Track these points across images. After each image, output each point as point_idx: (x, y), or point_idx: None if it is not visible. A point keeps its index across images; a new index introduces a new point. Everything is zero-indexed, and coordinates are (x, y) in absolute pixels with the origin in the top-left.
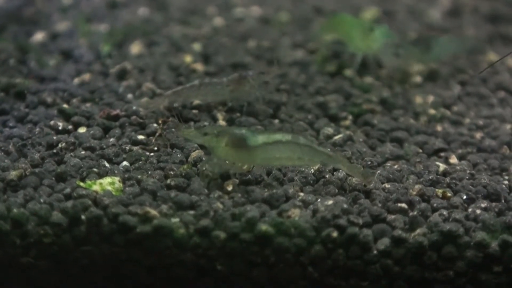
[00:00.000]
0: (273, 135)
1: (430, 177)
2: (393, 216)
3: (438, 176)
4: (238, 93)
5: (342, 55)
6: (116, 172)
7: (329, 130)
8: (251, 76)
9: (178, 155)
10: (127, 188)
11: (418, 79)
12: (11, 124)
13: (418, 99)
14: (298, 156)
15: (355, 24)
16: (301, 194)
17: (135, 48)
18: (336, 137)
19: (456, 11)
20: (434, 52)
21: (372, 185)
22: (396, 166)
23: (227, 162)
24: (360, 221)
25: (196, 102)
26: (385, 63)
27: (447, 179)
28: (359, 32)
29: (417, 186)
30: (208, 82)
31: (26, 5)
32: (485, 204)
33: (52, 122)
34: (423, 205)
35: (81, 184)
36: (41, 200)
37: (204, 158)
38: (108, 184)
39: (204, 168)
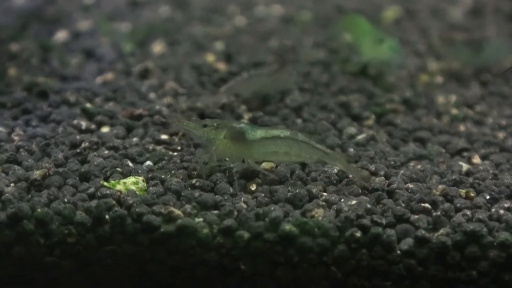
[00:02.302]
0: (272, 130)
1: (453, 177)
2: (416, 216)
3: (461, 176)
4: (279, 83)
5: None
6: (139, 171)
7: (352, 129)
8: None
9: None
10: (150, 188)
11: (439, 79)
12: (34, 124)
13: (441, 99)
14: (296, 152)
15: (367, 30)
16: (325, 194)
17: (157, 47)
18: (359, 137)
19: (478, 10)
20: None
21: (371, 183)
22: (419, 166)
23: (224, 154)
24: (384, 221)
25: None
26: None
27: (470, 179)
28: (369, 40)
29: (441, 186)
30: (255, 74)
31: (47, 4)
32: (508, 204)
33: (75, 122)
34: (447, 205)
35: (105, 183)
36: (65, 200)
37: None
38: (131, 183)
39: (201, 160)
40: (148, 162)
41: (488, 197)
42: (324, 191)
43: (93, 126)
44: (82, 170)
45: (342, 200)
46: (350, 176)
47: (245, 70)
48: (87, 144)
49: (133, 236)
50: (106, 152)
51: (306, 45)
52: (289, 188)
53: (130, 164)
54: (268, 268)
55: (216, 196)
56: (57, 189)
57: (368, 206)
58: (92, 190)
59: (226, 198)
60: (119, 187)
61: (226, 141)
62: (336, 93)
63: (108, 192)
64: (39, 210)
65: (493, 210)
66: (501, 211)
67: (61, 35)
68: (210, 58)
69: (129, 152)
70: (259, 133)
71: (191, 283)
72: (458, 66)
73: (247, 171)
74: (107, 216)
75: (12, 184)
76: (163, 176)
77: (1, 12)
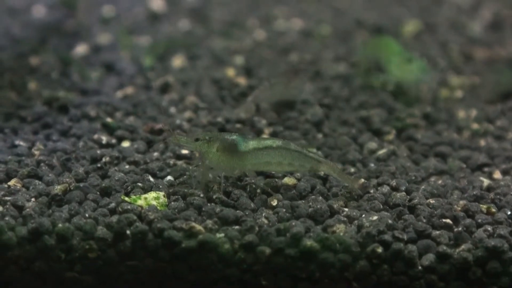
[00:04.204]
0: (264, 140)
1: (475, 192)
2: (437, 232)
3: (482, 192)
4: (292, 89)
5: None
6: (160, 186)
7: (373, 144)
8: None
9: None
10: (172, 203)
11: (459, 93)
12: (54, 138)
13: (461, 114)
14: (289, 161)
15: (396, 51)
16: (346, 209)
17: (177, 61)
18: (380, 152)
19: (497, 24)
20: None
21: (370, 190)
22: (440, 181)
23: (218, 167)
24: (405, 237)
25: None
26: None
27: (491, 195)
28: (397, 60)
29: (462, 202)
30: (275, 82)
31: (67, 18)
32: None
33: (95, 136)
34: (468, 220)
35: (126, 198)
36: (86, 215)
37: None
38: (153, 198)
39: (195, 174)
40: (169, 177)
41: (509, 212)
42: (345, 207)
43: (113, 141)
44: (103, 185)
45: (363, 215)
46: (346, 184)
47: (264, 81)
48: (107, 158)
49: (154, 252)
50: (127, 167)
51: (326, 59)
52: (310, 203)
53: (151, 179)
54: (289, 284)
55: (237, 211)
56: (78, 204)
57: (390, 221)
58: (113, 205)
59: (247, 213)
60: (140, 202)
61: (219, 154)
62: (357, 108)
63: (129, 207)
64: (60, 225)
65: None
66: None
67: (81, 49)
68: (230, 72)
69: (150, 167)
70: (251, 144)
71: None
72: (478, 81)
73: (268, 185)
74: (128, 232)
75: (33, 199)
76: (185, 191)
77: (21, 25)
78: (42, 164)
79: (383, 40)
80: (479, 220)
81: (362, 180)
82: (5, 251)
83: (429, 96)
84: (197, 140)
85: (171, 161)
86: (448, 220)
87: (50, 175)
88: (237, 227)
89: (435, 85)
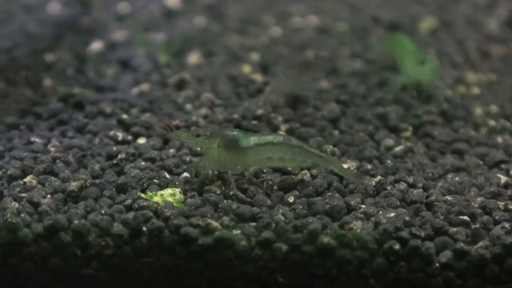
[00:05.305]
0: (265, 136)
1: (492, 189)
2: (455, 229)
3: (500, 189)
4: (303, 83)
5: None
6: (177, 183)
7: (390, 141)
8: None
9: (238, 167)
10: (188, 200)
11: (476, 90)
12: (70, 135)
13: (478, 110)
14: (290, 157)
15: (410, 50)
16: (363, 206)
17: (193, 57)
18: (397, 149)
19: None
20: None
21: (365, 184)
22: (457, 178)
23: (219, 162)
24: (422, 234)
25: (260, 112)
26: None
27: (509, 192)
28: (411, 60)
29: (479, 199)
30: (290, 74)
31: (82, 14)
32: None
33: (111, 133)
34: (485, 217)
35: (142, 195)
36: (102, 212)
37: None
38: (169, 195)
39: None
40: (185, 174)
41: None
42: (362, 203)
43: (129, 137)
44: (119, 181)
45: (381, 212)
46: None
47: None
48: (123, 155)
49: (171, 248)
50: (143, 163)
51: (343, 56)
52: (327, 200)
53: (167, 175)
54: (306, 281)
55: (254, 208)
56: (94, 201)
57: (407, 218)
58: (129, 201)
59: (264, 210)
60: (156, 198)
61: (220, 150)
62: (373, 105)
63: (145, 204)
64: (76, 222)
65: None
66: None
67: (96, 46)
68: (246, 69)
69: (166, 164)
70: (253, 139)
71: None
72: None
73: (284, 182)
74: (144, 228)
75: (48, 196)
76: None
77: (36, 22)
78: (58, 160)
79: (398, 39)
80: (497, 217)
81: (363, 176)
82: (21, 248)
83: (442, 96)
84: (198, 136)
85: (187, 158)
86: (465, 217)
87: (66, 171)
88: (253, 223)
89: (445, 86)
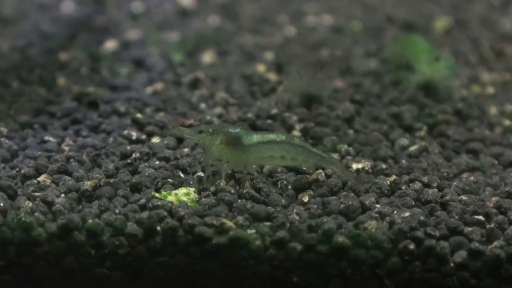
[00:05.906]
0: (268, 134)
1: (507, 189)
2: (470, 229)
3: None
4: (317, 82)
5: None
6: (191, 182)
7: (404, 141)
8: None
9: (253, 166)
10: (202, 199)
11: (490, 89)
12: (84, 134)
13: (493, 110)
14: (292, 156)
15: (424, 49)
16: (377, 205)
17: (207, 57)
18: (412, 148)
19: None
20: None
21: (364, 186)
22: (472, 178)
23: (220, 160)
24: (437, 233)
25: (274, 111)
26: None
27: None
28: (425, 59)
29: (494, 198)
30: (303, 73)
31: (96, 13)
32: None
33: (125, 132)
34: (500, 217)
35: (156, 194)
36: (116, 211)
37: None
38: (183, 194)
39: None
40: (200, 173)
41: None
42: (377, 203)
43: (143, 137)
44: (133, 181)
45: (395, 212)
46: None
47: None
48: (138, 154)
49: (185, 248)
50: (157, 162)
51: (357, 56)
52: (342, 199)
53: (182, 175)
54: (320, 281)
55: (268, 207)
56: (108, 200)
57: (422, 218)
58: (143, 201)
59: (278, 209)
60: (171, 198)
61: (222, 147)
62: (388, 104)
63: (159, 203)
64: (90, 221)
65: None
66: None
67: (110, 45)
68: (260, 68)
69: (180, 163)
70: (255, 137)
71: None
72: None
73: (299, 182)
74: (158, 228)
75: (62, 195)
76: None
77: (50, 21)
78: (71, 160)
79: (412, 38)
80: None
81: (364, 177)
82: (34, 247)
83: (457, 96)
84: (200, 132)
85: (202, 157)
86: (480, 217)
87: (80, 171)
88: (268, 223)
89: (460, 85)
